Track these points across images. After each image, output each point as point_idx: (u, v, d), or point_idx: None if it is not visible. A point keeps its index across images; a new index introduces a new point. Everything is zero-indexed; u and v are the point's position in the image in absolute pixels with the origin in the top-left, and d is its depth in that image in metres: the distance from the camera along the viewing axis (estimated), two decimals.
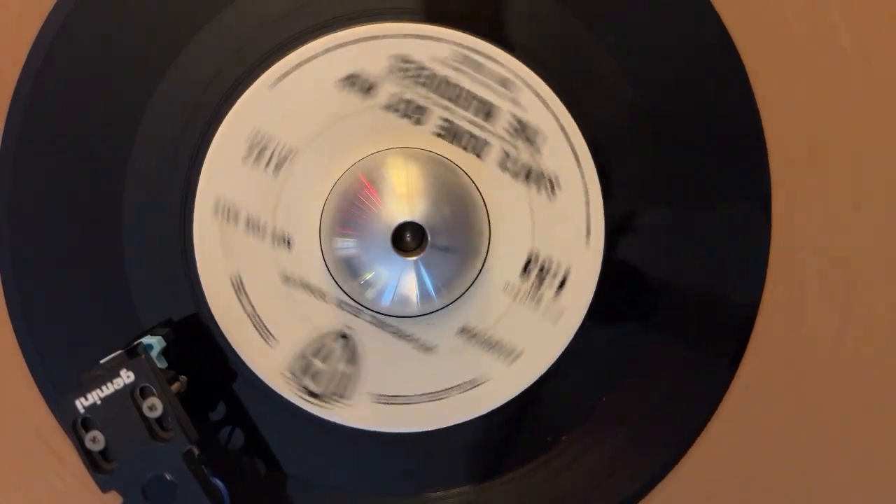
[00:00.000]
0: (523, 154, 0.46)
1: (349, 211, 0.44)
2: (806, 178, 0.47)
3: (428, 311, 0.46)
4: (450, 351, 0.47)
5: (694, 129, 0.47)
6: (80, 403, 0.43)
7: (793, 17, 0.46)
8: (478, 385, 0.47)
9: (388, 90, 0.45)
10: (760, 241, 0.48)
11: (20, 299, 0.47)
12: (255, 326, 0.47)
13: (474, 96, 0.45)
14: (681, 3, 0.46)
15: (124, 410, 0.43)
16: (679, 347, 0.49)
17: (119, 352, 0.44)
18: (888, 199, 0.48)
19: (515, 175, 0.46)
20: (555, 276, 0.47)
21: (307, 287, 0.46)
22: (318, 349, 0.47)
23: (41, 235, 0.47)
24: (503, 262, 0.46)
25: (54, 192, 0.47)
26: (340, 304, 0.47)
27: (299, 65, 0.45)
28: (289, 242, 0.46)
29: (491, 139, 0.46)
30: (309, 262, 0.46)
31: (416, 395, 0.48)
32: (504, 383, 0.47)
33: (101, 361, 0.44)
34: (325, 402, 0.47)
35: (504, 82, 0.45)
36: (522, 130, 0.45)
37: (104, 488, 0.43)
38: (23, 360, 0.48)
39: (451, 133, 0.46)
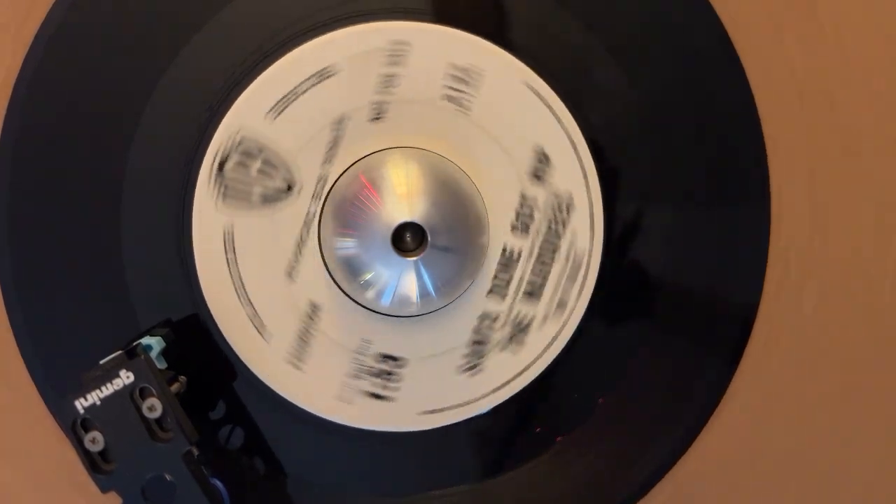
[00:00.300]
0: None
1: (349, 211, 0.44)
2: (806, 178, 0.48)
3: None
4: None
5: (694, 130, 0.47)
6: (80, 404, 0.43)
7: (793, 17, 0.46)
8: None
9: None
10: (760, 241, 0.48)
11: (20, 299, 0.47)
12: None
13: None
14: (681, 5, 0.46)
15: (124, 411, 0.43)
16: (679, 347, 0.49)
17: (118, 352, 0.44)
18: (888, 200, 0.48)
19: None
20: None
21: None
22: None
23: (41, 235, 0.47)
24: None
25: (54, 192, 0.47)
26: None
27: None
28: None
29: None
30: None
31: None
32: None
33: (101, 362, 0.44)
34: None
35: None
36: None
37: (104, 489, 0.43)
38: (22, 361, 0.48)
39: None
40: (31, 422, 0.48)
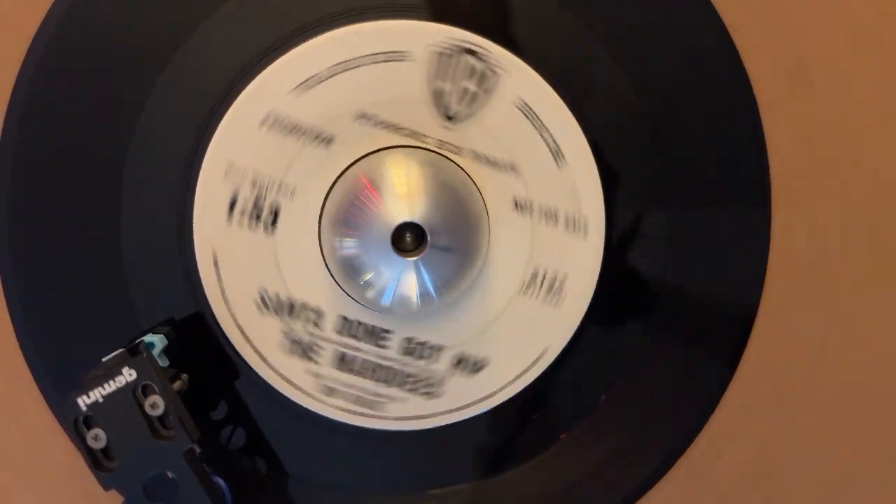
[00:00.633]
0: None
1: (349, 211, 0.44)
2: (806, 179, 0.47)
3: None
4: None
5: (694, 131, 0.47)
6: (82, 401, 0.43)
7: (793, 17, 0.46)
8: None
9: None
10: (760, 242, 0.48)
11: (20, 298, 0.48)
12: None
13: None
14: (682, 4, 0.46)
15: (126, 408, 0.43)
16: (679, 348, 0.49)
17: (121, 350, 0.44)
18: (888, 201, 0.48)
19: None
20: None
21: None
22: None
23: (41, 234, 0.47)
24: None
25: (54, 191, 0.47)
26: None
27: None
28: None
29: None
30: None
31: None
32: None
33: (103, 360, 0.44)
34: None
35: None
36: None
37: (106, 486, 0.44)
38: (23, 360, 0.48)
39: None
40: (33, 420, 0.49)
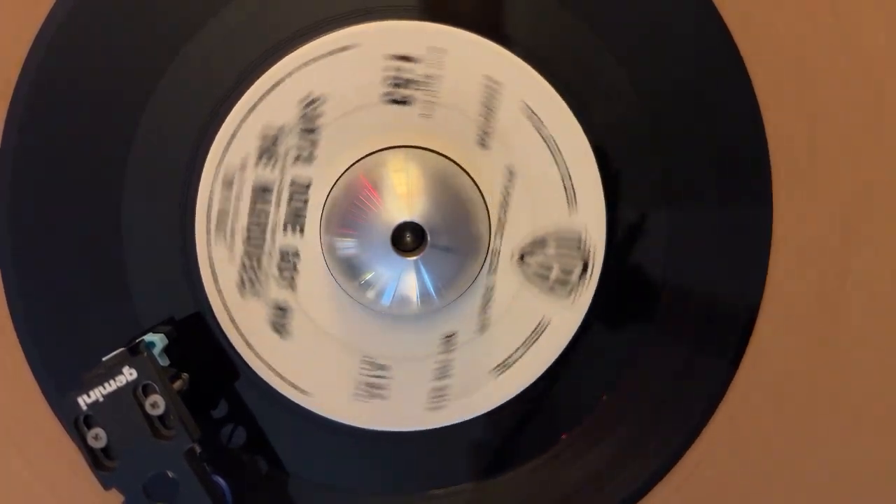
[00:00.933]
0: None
1: (349, 210, 0.44)
2: (806, 179, 0.47)
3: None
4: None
5: (695, 131, 0.47)
6: (83, 401, 0.43)
7: (794, 17, 0.46)
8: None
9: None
10: (761, 242, 0.48)
11: (22, 298, 0.48)
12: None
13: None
14: (683, 4, 0.46)
15: (126, 408, 0.43)
16: (679, 348, 0.49)
17: (121, 350, 0.44)
18: (888, 201, 0.48)
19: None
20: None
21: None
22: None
23: (43, 234, 0.47)
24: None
25: (54, 192, 0.47)
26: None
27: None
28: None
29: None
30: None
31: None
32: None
33: (104, 359, 0.44)
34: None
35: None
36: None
37: (106, 486, 0.44)
38: (23, 360, 0.48)
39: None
40: (34, 419, 0.49)
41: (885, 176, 0.47)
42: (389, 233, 0.43)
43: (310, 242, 0.46)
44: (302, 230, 0.46)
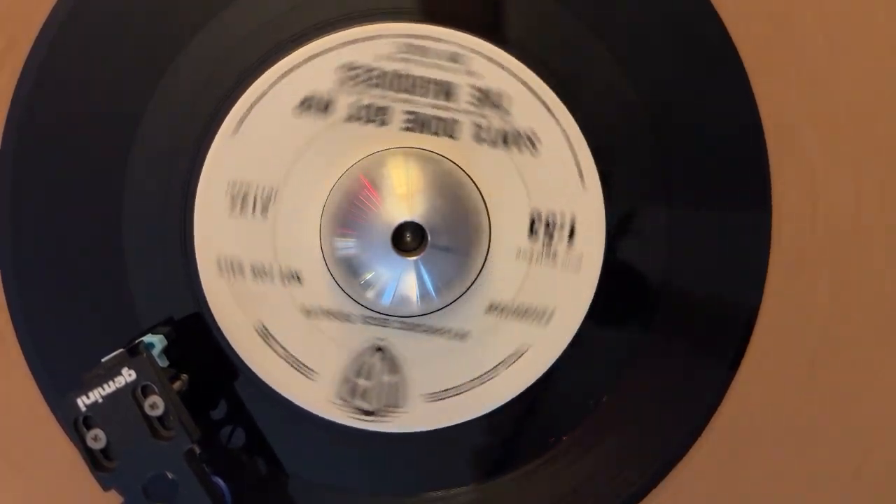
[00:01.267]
0: (494, 121, 0.45)
1: (349, 211, 0.44)
2: (807, 180, 0.47)
3: (450, 302, 0.46)
4: (484, 331, 0.47)
5: (694, 130, 0.47)
6: (82, 402, 0.43)
7: (793, 17, 0.46)
8: (522, 355, 0.47)
9: (344, 102, 0.45)
10: (761, 242, 0.48)
11: (21, 298, 0.48)
12: (292, 366, 0.47)
13: (429, 80, 0.45)
14: (682, 5, 0.46)
15: (126, 409, 0.43)
16: (679, 348, 0.49)
17: (121, 350, 0.44)
18: (889, 201, 0.48)
19: (493, 143, 0.46)
20: (562, 227, 0.46)
21: (329, 313, 0.47)
22: (359, 369, 0.47)
23: (42, 234, 0.47)
24: (508, 230, 0.46)
25: (54, 192, 0.47)
26: (366, 320, 0.47)
27: (253, 104, 0.45)
28: (298, 277, 0.46)
29: (458, 116, 0.45)
30: (322, 289, 0.46)
31: (465, 384, 0.48)
32: (546, 344, 0.47)
33: (103, 360, 0.44)
34: (382, 417, 0.47)
35: (453, 57, 0.45)
36: (486, 98, 0.45)
37: (105, 487, 0.44)
38: (23, 360, 0.48)
39: (418, 123, 0.45)
40: (33, 420, 0.49)
41: (886, 176, 0.47)
42: (390, 233, 0.43)
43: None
44: None
